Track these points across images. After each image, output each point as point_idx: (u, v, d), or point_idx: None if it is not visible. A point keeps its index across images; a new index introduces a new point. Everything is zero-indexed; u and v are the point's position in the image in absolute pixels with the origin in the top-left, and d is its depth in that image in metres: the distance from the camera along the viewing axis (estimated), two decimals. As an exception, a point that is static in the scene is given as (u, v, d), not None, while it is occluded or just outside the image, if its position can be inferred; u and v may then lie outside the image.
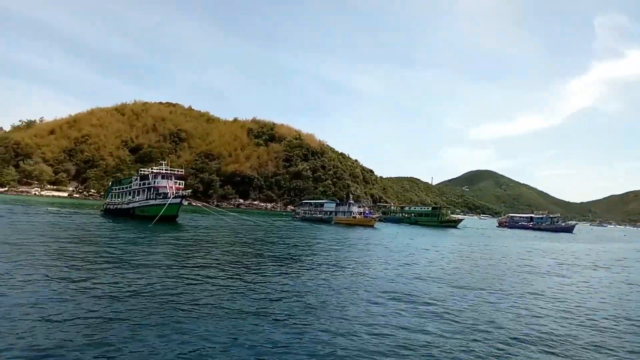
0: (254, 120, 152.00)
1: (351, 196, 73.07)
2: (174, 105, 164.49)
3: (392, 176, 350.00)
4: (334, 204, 68.40)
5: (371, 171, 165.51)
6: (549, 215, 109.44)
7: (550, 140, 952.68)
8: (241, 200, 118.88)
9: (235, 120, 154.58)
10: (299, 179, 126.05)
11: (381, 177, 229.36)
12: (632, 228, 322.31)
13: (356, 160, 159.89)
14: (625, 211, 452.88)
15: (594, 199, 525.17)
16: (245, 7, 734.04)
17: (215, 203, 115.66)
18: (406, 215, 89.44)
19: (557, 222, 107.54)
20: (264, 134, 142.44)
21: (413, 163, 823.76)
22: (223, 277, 16.03)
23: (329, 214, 66.08)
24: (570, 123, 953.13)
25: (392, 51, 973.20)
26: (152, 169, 50.41)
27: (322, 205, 69.56)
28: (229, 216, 59.08)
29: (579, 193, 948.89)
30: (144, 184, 47.98)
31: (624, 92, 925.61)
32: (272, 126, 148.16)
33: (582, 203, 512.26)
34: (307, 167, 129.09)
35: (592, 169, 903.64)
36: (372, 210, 78.62)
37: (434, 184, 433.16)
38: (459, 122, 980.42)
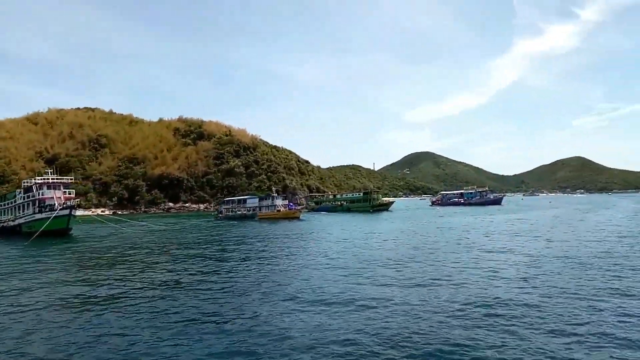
0: (180, 119, 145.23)
1: (274, 189, 70.18)
2: (93, 110, 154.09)
3: (335, 165, 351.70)
4: (257, 199, 65.59)
5: (307, 162, 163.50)
6: (478, 190, 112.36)
7: (482, 118, 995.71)
8: (171, 204, 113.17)
9: (161, 120, 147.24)
10: (231, 177, 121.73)
11: (319, 166, 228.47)
12: (562, 195, 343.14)
13: (291, 152, 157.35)
14: (554, 179, 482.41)
15: (526, 170, 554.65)
16: (170, 2, 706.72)
17: (142, 209, 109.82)
18: (339, 203, 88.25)
19: (486, 195, 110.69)
20: (192, 132, 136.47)
21: (355, 150, 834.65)
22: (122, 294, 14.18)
23: (253, 210, 63.24)
24: (499, 99, 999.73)
25: (325, 38, 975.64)
26: (35, 179, 44.98)
27: (244, 201, 66.56)
28: (138, 224, 54.22)
29: (512, 166, 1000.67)
30: (28, 196, 42.73)
31: (545, 66, 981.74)
32: (201, 124, 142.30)
33: (515, 175, 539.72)
34: (240, 164, 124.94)
35: (522, 141, 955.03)
36: (295, 202, 76.63)
37: (376, 169, 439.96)
38: (396, 105, 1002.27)
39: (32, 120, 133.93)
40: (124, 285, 16.12)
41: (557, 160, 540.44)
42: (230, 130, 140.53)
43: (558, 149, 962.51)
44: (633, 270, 17.05)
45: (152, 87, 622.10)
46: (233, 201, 68.69)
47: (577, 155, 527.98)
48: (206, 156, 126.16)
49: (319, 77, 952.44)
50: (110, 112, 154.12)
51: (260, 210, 62.67)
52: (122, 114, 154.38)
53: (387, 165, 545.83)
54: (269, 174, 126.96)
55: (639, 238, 28.18)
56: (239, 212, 64.26)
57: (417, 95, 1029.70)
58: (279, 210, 61.00)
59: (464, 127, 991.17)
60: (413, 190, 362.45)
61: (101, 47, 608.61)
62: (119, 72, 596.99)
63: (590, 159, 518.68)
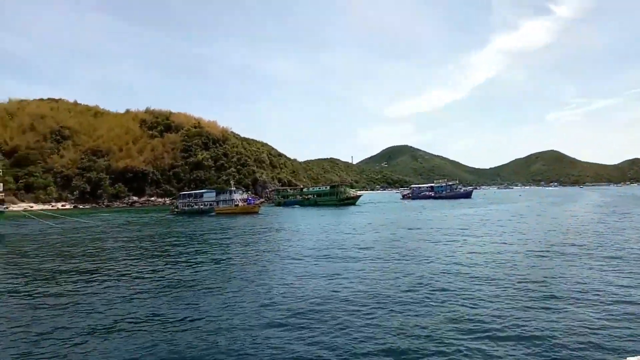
0: (147, 111, 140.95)
1: (232, 183, 67.93)
2: (57, 101, 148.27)
3: (313, 158, 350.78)
4: (214, 193, 63.24)
5: (280, 155, 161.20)
6: (448, 184, 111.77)
7: (460, 112, 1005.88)
8: (135, 198, 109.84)
9: (127, 112, 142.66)
10: (199, 170, 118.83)
11: (295, 159, 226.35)
12: (536, 187, 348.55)
13: (264, 145, 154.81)
14: (529, 172, 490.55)
15: (502, 163, 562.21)
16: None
17: (105, 203, 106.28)
18: (306, 197, 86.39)
19: (456, 189, 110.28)
20: (159, 124, 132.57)
21: (334, 144, 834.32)
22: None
23: (210, 205, 60.92)
24: (476, 94, 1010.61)
25: (302, 35, 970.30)
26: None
27: (201, 195, 64.08)
28: (80, 221, 51.34)
29: (488, 159, 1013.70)
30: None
31: (521, 62, 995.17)
32: (169, 115, 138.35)
33: (491, 168, 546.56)
34: (208, 156, 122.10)
35: (499, 135, 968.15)
36: (257, 197, 74.66)
37: (354, 162, 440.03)
38: (375, 100, 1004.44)
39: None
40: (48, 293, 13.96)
41: (532, 154, 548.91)
42: (199, 122, 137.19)
43: (533, 142, 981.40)
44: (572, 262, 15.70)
45: (123, 81, 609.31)
46: (190, 195, 66.10)
47: (551, 149, 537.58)
48: (173, 148, 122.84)
49: (298, 74, 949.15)
50: (75, 104, 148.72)
51: (217, 204, 60.40)
52: (87, 105, 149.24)
53: (366, 159, 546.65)
54: (239, 167, 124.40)
55: (587, 232, 27.17)
56: (196, 207, 61.85)
57: (396, 90, 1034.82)
58: (237, 205, 58.89)
59: (442, 121, 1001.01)
60: (390, 183, 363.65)
61: (71, 40, 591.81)
62: (91, 64, 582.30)
63: (564, 152, 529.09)
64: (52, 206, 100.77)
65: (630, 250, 20.26)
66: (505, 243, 23.71)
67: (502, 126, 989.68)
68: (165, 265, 19.34)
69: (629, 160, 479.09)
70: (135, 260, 20.59)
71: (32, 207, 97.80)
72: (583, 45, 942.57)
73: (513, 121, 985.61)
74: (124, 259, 21.02)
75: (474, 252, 20.77)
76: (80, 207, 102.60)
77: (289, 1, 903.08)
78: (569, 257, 18.81)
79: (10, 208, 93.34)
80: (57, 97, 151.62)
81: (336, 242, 25.46)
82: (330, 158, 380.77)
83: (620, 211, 48.05)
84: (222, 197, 61.42)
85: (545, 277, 14.64)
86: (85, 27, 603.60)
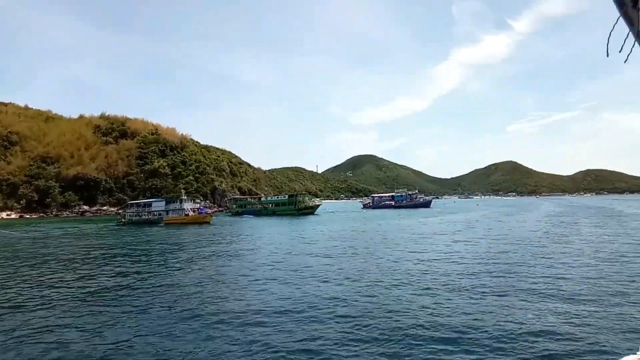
0: (102, 117, 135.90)
1: (183, 192, 65.63)
2: (6, 105, 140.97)
3: (278, 167, 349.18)
4: (164, 202, 60.91)
5: (241, 163, 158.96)
6: (408, 193, 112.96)
7: (424, 122, 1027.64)
8: (86, 207, 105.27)
9: (81, 117, 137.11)
10: (155, 178, 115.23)
11: (260, 168, 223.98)
12: (495, 197, 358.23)
13: (224, 153, 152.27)
14: (488, 182, 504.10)
15: (463, 173, 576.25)
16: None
17: (54, 213, 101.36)
18: (264, 207, 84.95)
19: (416, 198, 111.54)
20: (114, 130, 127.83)
21: (300, 153, 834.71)
22: None
23: (159, 214, 58.61)
24: (440, 104, 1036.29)
25: (272, 40, 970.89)
26: None
27: (150, 205, 61.59)
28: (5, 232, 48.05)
29: (450, 169, 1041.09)
30: None
31: (482, 74, 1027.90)
32: (124, 121, 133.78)
33: (452, 178, 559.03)
34: (165, 164, 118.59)
35: (460, 145, 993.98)
36: (206, 207, 72.78)
37: (319, 171, 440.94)
38: (341, 107, 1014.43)
39: None
40: None
41: (491, 164, 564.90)
42: (157, 129, 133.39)
43: (493, 153, 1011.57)
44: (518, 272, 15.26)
45: (79, 84, 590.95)
46: (139, 204, 63.40)
47: (510, 159, 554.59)
48: (128, 156, 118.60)
49: (266, 79, 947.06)
50: (26, 108, 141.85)
51: (167, 214, 58.15)
52: (38, 110, 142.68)
53: (331, 168, 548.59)
54: (197, 175, 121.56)
55: (531, 242, 27.21)
56: (144, 217, 59.32)
57: (362, 98, 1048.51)
58: (187, 215, 56.88)
59: (407, 130, 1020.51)
60: (355, 192, 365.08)
61: (28, 41, 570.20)
62: (44, 66, 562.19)
63: (522, 163, 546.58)
64: None
65: (564, 259, 20.15)
66: (452, 252, 23.85)
67: (463, 136, 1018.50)
68: (88, 280, 17.73)
69: (583, 171, 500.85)
70: (50, 279, 18.86)
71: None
72: (541, 59, 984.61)
73: (474, 132, 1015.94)
74: (36, 281, 19.24)
75: (421, 261, 20.97)
76: (27, 216, 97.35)
77: (259, 5, 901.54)
78: (510, 265, 18.58)
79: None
80: (6, 102, 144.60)
81: (286, 253, 24.45)
82: (295, 167, 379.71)
83: (568, 221, 49.08)
84: (171, 206, 59.16)
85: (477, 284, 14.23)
86: (46, 27, 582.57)
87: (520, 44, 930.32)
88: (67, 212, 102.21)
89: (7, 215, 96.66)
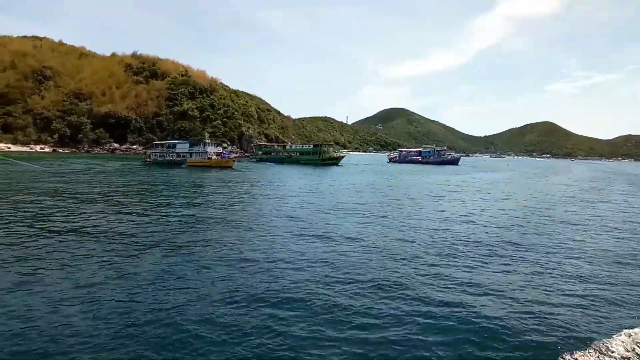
0: (134, 55, 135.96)
1: (207, 135, 65.77)
2: (41, 39, 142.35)
3: (307, 116, 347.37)
4: (188, 145, 61.27)
5: (269, 110, 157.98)
6: (436, 149, 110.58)
7: (459, 78, 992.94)
8: (116, 145, 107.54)
9: (113, 55, 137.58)
10: (184, 120, 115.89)
11: (289, 116, 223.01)
12: (528, 158, 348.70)
13: (253, 99, 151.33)
14: (522, 142, 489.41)
15: (497, 132, 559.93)
16: None
17: (85, 149, 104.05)
18: (289, 154, 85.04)
19: (444, 154, 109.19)
20: (145, 69, 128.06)
21: (332, 103, 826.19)
22: None
23: (183, 156, 59.12)
24: (478, 60, 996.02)
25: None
26: None
27: (174, 146, 62.09)
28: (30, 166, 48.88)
29: (483, 127, 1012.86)
30: None
31: (526, 30, 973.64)
32: (155, 61, 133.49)
33: (486, 136, 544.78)
34: (194, 107, 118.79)
35: (496, 103, 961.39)
36: (231, 151, 73.04)
37: (350, 123, 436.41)
38: (374, 60, 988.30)
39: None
40: None
41: (527, 124, 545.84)
42: (187, 71, 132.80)
43: (529, 113, 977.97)
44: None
45: (116, 23, 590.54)
46: (163, 145, 64.07)
47: (547, 120, 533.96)
48: (158, 96, 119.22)
49: (298, 28, 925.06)
50: (60, 43, 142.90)
51: (190, 156, 58.64)
52: (73, 46, 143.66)
53: (362, 120, 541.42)
54: (225, 119, 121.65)
55: (551, 207, 25.99)
56: (168, 158, 60.02)
57: (397, 51, 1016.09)
58: (210, 158, 57.20)
59: (441, 86, 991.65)
60: (384, 145, 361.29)
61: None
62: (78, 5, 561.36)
63: (560, 124, 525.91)
64: (31, 148, 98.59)
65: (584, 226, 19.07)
66: (463, 214, 22.76)
67: (500, 94, 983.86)
68: (119, 219, 17.83)
69: (623, 136, 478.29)
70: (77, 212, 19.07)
71: (9, 147, 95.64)
72: (589, 17, 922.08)
73: (512, 90, 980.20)
74: (64, 210, 19.49)
75: (430, 220, 20.14)
76: (60, 151, 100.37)
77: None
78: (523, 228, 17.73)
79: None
80: (41, 35, 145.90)
81: (300, 207, 23.92)
82: (325, 117, 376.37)
83: (599, 187, 47.04)
84: (195, 149, 59.56)
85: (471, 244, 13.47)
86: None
87: (569, 1, 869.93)
88: (98, 149, 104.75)
89: (41, 148, 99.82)
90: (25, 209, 18.73)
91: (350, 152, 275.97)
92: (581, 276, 11.40)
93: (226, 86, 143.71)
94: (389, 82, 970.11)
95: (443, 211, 23.12)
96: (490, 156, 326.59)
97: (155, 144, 67.30)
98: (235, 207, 22.13)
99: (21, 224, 15.57)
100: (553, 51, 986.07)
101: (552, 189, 42.09)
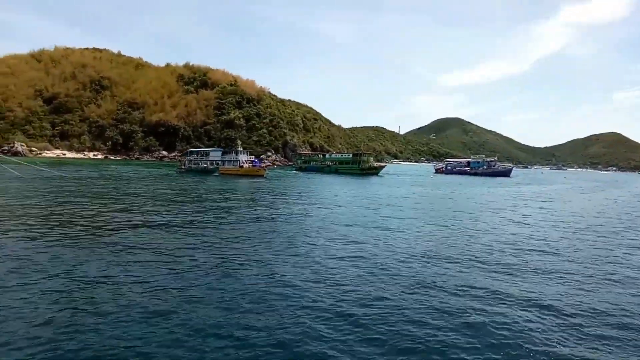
0: (186, 66, 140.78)
1: (239, 143, 65.69)
2: (101, 51, 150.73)
3: (359, 126, 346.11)
4: (220, 152, 61.50)
5: (315, 119, 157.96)
6: (486, 160, 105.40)
7: (517, 86, 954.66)
8: (165, 152, 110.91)
9: (167, 65, 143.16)
10: (231, 128, 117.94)
11: (340, 125, 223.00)
12: (591, 171, 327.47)
13: (299, 108, 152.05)
14: (586, 154, 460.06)
15: (558, 143, 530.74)
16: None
17: (136, 156, 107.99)
18: (327, 164, 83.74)
19: (494, 165, 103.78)
20: (196, 79, 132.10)
21: (381, 113, 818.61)
22: None
23: (216, 164, 59.35)
24: (538, 68, 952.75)
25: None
26: None
27: (208, 154, 62.55)
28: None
29: (544, 138, 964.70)
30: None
31: (590, 36, 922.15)
32: (206, 71, 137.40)
33: (546, 147, 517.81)
34: (240, 116, 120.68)
35: (557, 113, 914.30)
36: (260, 159, 72.71)
37: (402, 133, 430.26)
38: (428, 69, 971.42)
39: (37, 57, 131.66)
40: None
41: (591, 135, 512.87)
42: (236, 80, 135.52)
43: (594, 123, 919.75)
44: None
45: (170, 35, 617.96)
46: (198, 152, 64.83)
47: (613, 130, 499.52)
48: (207, 105, 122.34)
49: (350, 37, 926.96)
50: (119, 54, 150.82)
51: (222, 164, 58.76)
52: (130, 57, 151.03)
53: (414, 130, 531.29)
54: (271, 128, 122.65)
55: (596, 227, 22.76)
56: (202, 165, 60.52)
57: (451, 59, 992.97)
58: (241, 167, 56.98)
59: (498, 94, 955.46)
60: (436, 156, 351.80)
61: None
62: (141, 18, 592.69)
63: (627, 136, 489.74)
64: (85, 155, 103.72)
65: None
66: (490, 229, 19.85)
67: (563, 104, 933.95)
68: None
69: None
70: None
71: (64, 154, 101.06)
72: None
73: (575, 99, 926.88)
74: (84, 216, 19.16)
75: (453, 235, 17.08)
76: (112, 157, 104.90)
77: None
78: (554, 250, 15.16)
79: (44, 154, 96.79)
80: (101, 47, 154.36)
81: (329, 221, 22.16)
82: (376, 126, 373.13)
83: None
84: (227, 157, 59.65)
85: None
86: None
87: (636, 4, 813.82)
88: (148, 156, 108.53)
89: (94, 155, 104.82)
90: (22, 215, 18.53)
91: (401, 162, 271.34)
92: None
93: (274, 95, 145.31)
94: (442, 91, 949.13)
95: (462, 228, 20.52)
96: (551, 168, 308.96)
97: (190, 151, 68.26)
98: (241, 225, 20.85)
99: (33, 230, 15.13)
100: (620, 58, 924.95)
101: (604, 205, 37.84)
